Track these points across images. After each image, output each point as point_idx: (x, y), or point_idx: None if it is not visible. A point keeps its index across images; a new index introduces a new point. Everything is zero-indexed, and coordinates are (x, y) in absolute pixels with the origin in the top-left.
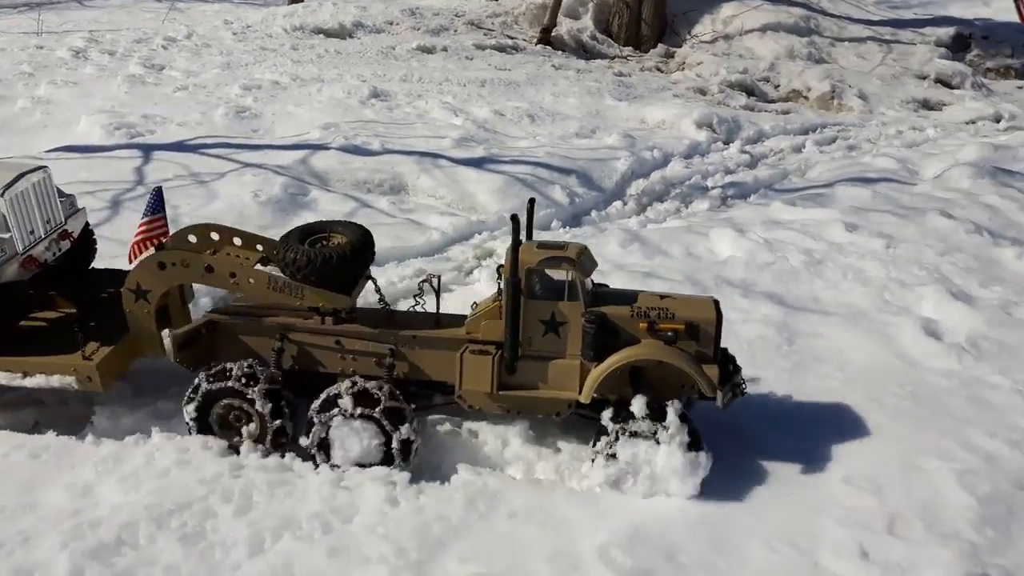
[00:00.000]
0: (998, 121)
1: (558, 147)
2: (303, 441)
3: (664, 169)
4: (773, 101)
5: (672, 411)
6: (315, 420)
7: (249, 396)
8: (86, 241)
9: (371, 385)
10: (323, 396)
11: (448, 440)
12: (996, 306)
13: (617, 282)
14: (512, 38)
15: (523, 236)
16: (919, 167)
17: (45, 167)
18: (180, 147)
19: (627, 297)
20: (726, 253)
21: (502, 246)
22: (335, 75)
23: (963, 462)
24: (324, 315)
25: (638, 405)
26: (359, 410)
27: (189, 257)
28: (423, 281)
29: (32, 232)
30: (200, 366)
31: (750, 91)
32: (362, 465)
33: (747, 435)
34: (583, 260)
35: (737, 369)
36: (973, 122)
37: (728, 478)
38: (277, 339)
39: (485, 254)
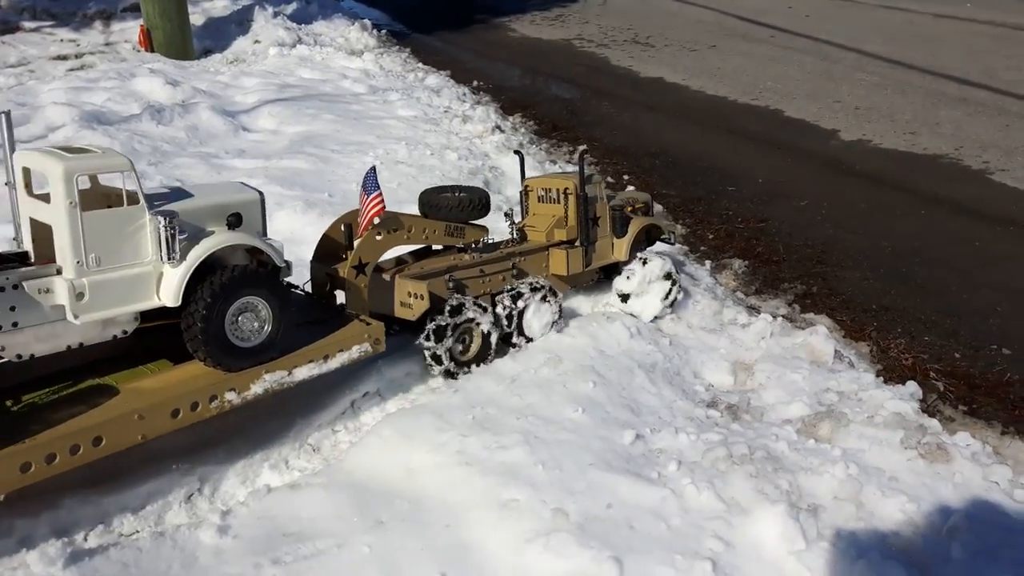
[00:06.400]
0: None
1: None
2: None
3: None
4: None
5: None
6: (510, 314)
7: (478, 320)
8: None
9: (533, 281)
10: (502, 300)
11: None
12: None
13: None
14: None
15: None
16: None
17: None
18: None
19: (610, 197)
20: None
21: None
22: None
23: None
24: (474, 251)
25: (655, 263)
26: (540, 295)
27: (400, 222)
28: (508, 213)
29: None
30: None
31: None
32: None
33: None
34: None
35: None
36: None
37: None
38: (448, 280)
39: None
